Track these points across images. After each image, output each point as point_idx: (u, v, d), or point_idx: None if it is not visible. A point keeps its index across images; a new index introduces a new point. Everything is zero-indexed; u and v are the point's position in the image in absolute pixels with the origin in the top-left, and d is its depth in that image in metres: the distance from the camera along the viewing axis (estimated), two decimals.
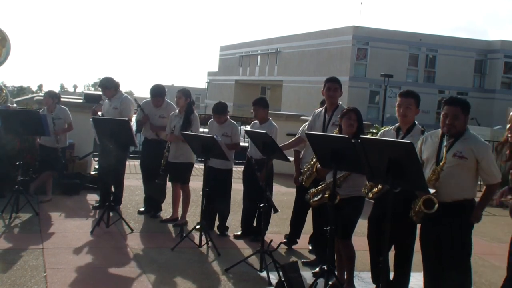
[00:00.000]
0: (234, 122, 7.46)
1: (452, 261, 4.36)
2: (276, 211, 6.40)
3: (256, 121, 7.26)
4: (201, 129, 7.65)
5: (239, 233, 7.22)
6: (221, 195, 7.16)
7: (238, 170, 8.64)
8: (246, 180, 7.25)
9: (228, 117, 7.42)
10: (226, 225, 7.36)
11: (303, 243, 6.91)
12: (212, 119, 7.37)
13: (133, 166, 11.20)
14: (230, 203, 7.40)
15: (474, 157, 4.32)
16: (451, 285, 4.39)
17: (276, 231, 7.42)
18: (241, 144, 7.69)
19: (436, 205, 4.18)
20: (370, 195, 4.95)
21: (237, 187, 7.66)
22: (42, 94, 10.36)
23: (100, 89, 8.65)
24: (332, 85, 6.17)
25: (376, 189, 4.85)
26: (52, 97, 8.43)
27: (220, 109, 7.23)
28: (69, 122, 8.41)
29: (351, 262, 5.39)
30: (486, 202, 4.47)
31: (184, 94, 7.54)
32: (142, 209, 8.14)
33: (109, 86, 8.21)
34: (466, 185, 4.35)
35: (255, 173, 6.43)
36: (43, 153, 8.36)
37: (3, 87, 9.54)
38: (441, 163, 4.28)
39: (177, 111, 7.63)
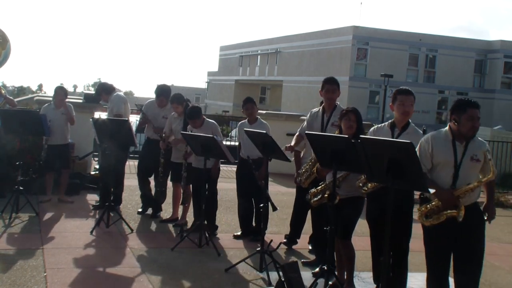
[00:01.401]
0: (212, 121, 7.32)
1: (461, 265, 4.35)
2: (275, 209, 6.41)
3: (244, 121, 7.25)
4: None
5: (239, 233, 7.22)
6: (208, 195, 7.10)
7: (233, 170, 8.62)
8: (240, 179, 7.25)
9: (204, 117, 7.30)
10: (216, 224, 7.36)
11: (303, 243, 6.91)
12: (189, 126, 7.18)
13: (133, 166, 11.18)
14: (217, 202, 7.37)
15: (483, 157, 4.33)
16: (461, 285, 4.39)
17: (276, 231, 7.42)
18: (231, 143, 7.74)
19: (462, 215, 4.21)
20: (364, 190, 4.97)
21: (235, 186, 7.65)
22: (43, 94, 10.34)
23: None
24: (331, 87, 6.17)
25: (371, 184, 4.87)
26: (66, 94, 8.60)
27: (194, 114, 7.01)
28: (71, 116, 8.45)
29: (351, 262, 5.39)
30: (494, 197, 4.53)
31: (178, 101, 7.48)
32: (140, 210, 8.13)
33: (100, 92, 8.48)
34: (476, 189, 4.36)
35: (252, 173, 6.45)
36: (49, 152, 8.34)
37: (1, 87, 9.53)
38: (487, 178, 4.27)
39: (176, 114, 7.61)
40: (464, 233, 4.32)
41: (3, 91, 9.30)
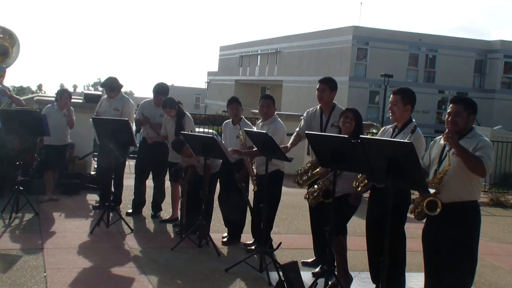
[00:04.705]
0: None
1: (452, 264, 4.35)
2: (253, 211, 6.45)
3: (228, 121, 7.07)
4: (200, 129, 7.62)
5: (225, 236, 7.00)
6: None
7: None
8: (222, 182, 7.09)
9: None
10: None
11: (303, 243, 6.91)
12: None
13: (133, 166, 11.19)
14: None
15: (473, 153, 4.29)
16: (449, 286, 4.39)
17: (276, 231, 7.40)
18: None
19: (439, 209, 4.17)
20: (359, 188, 4.99)
21: None
22: (42, 94, 10.33)
23: (103, 88, 8.67)
24: (320, 86, 6.15)
25: (363, 183, 4.91)
26: (70, 97, 8.62)
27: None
28: (72, 120, 8.48)
29: (341, 258, 5.39)
30: (467, 153, 4.17)
31: (171, 106, 7.43)
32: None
33: (115, 87, 8.23)
34: (465, 186, 4.32)
35: (232, 174, 6.44)
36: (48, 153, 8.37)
37: (10, 88, 9.55)
38: (444, 168, 4.25)
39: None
40: (444, 233, 4.33)
41: (9, 92, 9.29)
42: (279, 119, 6.69)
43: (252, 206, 6.43)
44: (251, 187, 6.56)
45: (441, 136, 4.58)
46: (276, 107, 6.76)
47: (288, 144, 6.17)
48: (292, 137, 6.32)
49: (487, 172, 4.22)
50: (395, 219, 4.71)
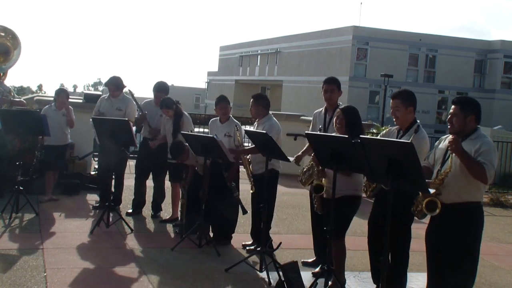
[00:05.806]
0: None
1: (452, 264, 4.34)
2: (245, 212, 6.42)
3: (215, 119, 7.05)
4: (200, 129, 7.60)
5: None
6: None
7: None
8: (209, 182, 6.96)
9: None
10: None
11: (303, 243, 6.91)
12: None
13: (133, 166, 11.18)
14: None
15: (475, 157, 4.26)
16: (450, 286, 4.38)
17: (276, 231, 7.40)
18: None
19: (438, 209, 4.16)
20: (368, 193, 4.98)
21: None
22: (42, 94, 10.33)
23: (106, 87, 8.65)
24: (329, 87, 6.14)
25: (371, 187, 4.91)
26: (68, 96, 8.63)
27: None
28: (72, 119, 8.47)
29: (339, 262, 5.35)
30: (470, 159, 4.17)
31: (168, 106, 7.38)
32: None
33: (120, 86, 8.22)
34: (466, 187, 4.30)
35: (221, 174, 6.44)
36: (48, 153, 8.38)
37: (11, 90, 9.55)
38: (446, 170, 4.23)
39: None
40: (445, 234, 4.33)
41: (10, 94, 9.27)
42: (274, 118, 6.68)
43: (243, 206, 6.41)
44: (248, 187, 6.56)
45: (446, 136, 4.58)
46: (266, 107, 6.65)
47: (300, 152, 6.17)
48: (305, 147, 6.29)
49: (488, 180, 4.20)
50: (400, 219, 4.69)
